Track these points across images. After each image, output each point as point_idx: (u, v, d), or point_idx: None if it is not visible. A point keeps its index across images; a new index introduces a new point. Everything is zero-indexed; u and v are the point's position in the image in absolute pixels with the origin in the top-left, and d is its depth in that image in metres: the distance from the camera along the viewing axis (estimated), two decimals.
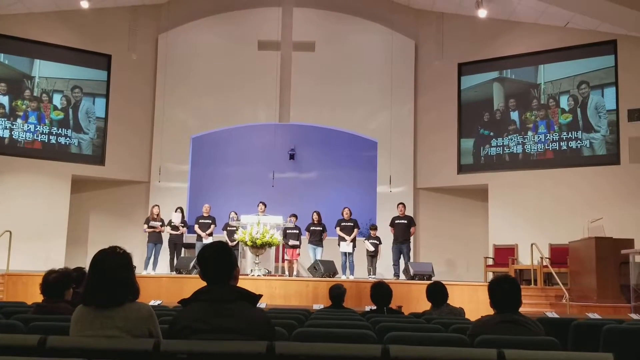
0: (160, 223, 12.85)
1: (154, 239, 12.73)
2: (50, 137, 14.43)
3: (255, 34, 15.53)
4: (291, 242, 12.80)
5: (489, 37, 14.56)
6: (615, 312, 9.20)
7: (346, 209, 13.00)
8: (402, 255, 12.71)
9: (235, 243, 12.39)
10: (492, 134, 14.53)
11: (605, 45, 13.26)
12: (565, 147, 13.59)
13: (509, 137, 14.27)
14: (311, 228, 13.00)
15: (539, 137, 13.92)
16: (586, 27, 13.26)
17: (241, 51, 15.46)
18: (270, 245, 11.79)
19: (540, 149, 13.88)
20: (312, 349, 2.72)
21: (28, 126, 14.20)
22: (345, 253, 12.65)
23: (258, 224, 11.69)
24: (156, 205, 13.11)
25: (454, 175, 14.78)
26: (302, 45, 15.52)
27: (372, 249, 12.64)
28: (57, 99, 14.59)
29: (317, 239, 12.93)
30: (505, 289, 3.73)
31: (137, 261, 12.63)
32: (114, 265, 2.95)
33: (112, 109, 15.07)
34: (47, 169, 14.08)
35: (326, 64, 15.46)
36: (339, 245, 12.76)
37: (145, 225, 12.78)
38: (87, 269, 3.12)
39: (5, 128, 13.98)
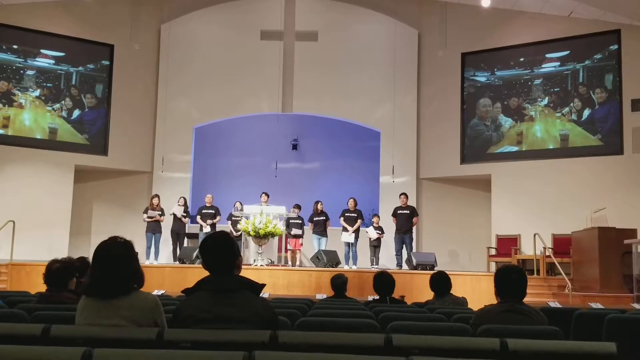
0: (160, 213, 12.86)
1: (152, 229, 12.75)
2: (54, 127, 14.42)
3: (257, 24, 15.48)
4: (294, 232, 12.81)
5: (493, 27, 14.50)
6: (617, 302, 9.19)
7: (351, 200, 12.98)
8: (404, 246, 12.72)
9: (239, 233, 12.41)
10: (492, 126, 14.51)
11: (609, 35, 13.20)
12: (569, 138, 13.55)
13: (512, 129, 14.24)
14: (314, 218, 13.01)
15: (542, 128, 13.88)
16: (590, 17, 13.20)
17: (244, 41, 15.43)
18: (273, 235, 11.80)
19: (545, 138, 13.84)
20: (315, 338, 2.73)
21: (32, 117, 14.19)
22: (347, 243, 12.66)
23: (261, 214, 11.71)
24: (156, 195, 13.13)
25: (457, 166, 14.77)
26: (305, 35, 15.48)
27: (375, 236, 12.64)
28: (60, 90, 14.57)
29: (321, 229, 12.95)
30: (513, 278, 3.74)
31: (140, 252, 12.70)
32: (115, 256, 2.96)
33: (114, 99, 15.06)
34: (51, 158, 14.09)
35: (329, 53, 15.42)
36: (341, 235, 12.77)
37: (145, 215, 12.81)
38: (90, 259, 3.12)
39: (7, 119, 13.97)
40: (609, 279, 10.03)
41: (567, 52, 13.72)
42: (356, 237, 12.72)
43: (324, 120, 16.05)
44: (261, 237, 11.62)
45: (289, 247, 12.97)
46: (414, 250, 13.03)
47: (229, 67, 15.39)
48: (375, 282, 5.77)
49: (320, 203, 13.10)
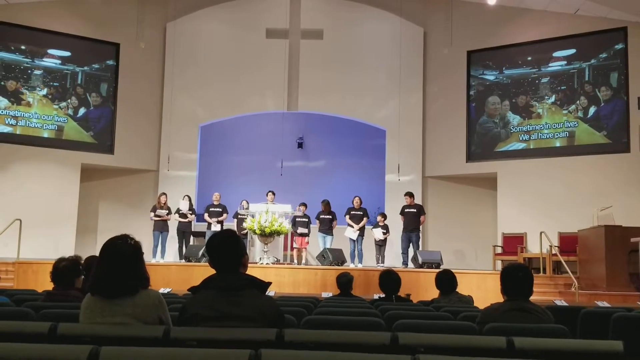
0: (167, 211, 12.88)
1: (160, 227, 12.77)
2: (59, 125, 14.46)
3: (263, 22, 15.49)
4: (300, 230, 12.82)
5: (498, 25, 14.46)
6: (624, 300, 9.18)
7: (356, 198, 12.97)
8: (411, 244, 12.70)
9: (245, 231, 12.42)
10: (500, 123, 14.48)
11: (615, 33, 13.16)
12: (575, 135, 13.52)
13: (518, 126, 14.22)
14: (320, 217, 13.01)
15: (548, 125, 13.85)
16: (596, 14, 13.15)
17: (249, 39, 15.43)
18: (278, 233, 11.81)
19: (550, 136, 13.81)
20: (322, 337, 2.73)
21: (37, 115, 14.23)
22: (353, 241, 12.65)
23: (267, 213, 11.71)
24: (163, 193, 13.14)
25: (462, 164, 14.74)
26: (311, 33, 15.47)
27: (381, 237, 12.62)
28: (66, 89, 14.61)
29: (326, 227, 12.94)
30: (518, 277, 3.74)
31: (145, 250, 12.67)
32: (125, 255, 2.95)
33: (120, 97, 15.09)
34: (57, 157, 14.13)
35: (334, 52, 15.40)
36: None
37: (152, 214, 12.83)
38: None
39: (15, 117, 14.02)
40: (616, 277, 10.01)
41: (574, 51, 13.68)
42: (361, 236, 12.71)
43: (329, 119, 16.05)
44: (267, 236, 11.63)
45: (295, 245, 12.98)
46: (420, 248, 13.01)
47: (235, 65, 15.39)
48: (381, 280, 5.77)
49: (326, 202, 13.09)
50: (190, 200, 13.34)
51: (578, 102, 13.55)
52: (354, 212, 12.84)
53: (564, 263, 11.25)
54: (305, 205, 13.22)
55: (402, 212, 12.89)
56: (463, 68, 14.91)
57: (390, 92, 15.12)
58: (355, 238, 12.64)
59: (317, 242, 13.04)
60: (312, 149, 17.32)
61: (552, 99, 13.88)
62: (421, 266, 11.62)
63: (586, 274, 10.97)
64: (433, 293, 6.21)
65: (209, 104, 15.49)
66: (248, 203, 13.00)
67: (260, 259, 11.84)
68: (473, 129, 14.80)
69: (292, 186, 15.43)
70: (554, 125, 13.78)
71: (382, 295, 5.83)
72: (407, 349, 2.63)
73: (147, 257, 12.13)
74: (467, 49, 14.86)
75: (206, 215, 13.26)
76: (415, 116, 15.18)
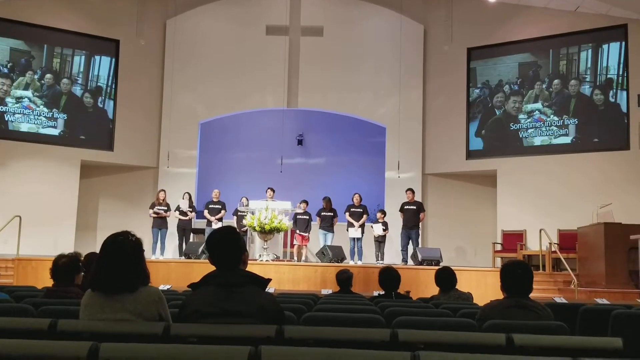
0: (166, 208, 12.88)
1: (159, 224, 12.77)
2: (59, 122, 14.44)
3: (263, 19, 15.47)
4: (300, 228, 12.82)
5: (499, 22, 14.44)
6: (623, 297, 9.19)
7: (356, 195, 12.99)
8: (410, 241, 12.71)
9: (245, 228, 12.42)
10: (501, 121, 14.47)
11: (615, 30, 13.14)
12: (574, 133, 13.51)
13: (518, 124, 14.21)
14: (322, 214, 13.02)
15: (548, 122, 13.84)
16: (596, 11, 13.14)
17: (249, 36, 15.42)
18: (278, 230, 11.80)
19: (550, 134, 13.80)
20: (321, 333, 2.73)
21: (37, 112, 14.21)
22: (353, 238, 12.67)
23: (266, 210, 11.71)
24: (162, 190, 13.15)
25: (462, 161, 14.73)
26: (311, 30, 15.45)
27: (381, 233, 12.62)
28: (66, 85, 14.59)
29: (327, 224, 12.95)
30: (518, 274, 3.74)
31: (145, 247, 12.64)
32: (126, 252, 2.95)
33: (120, 94, 15.07)
34: (57, 154, 14.12)
35: (334, 49, 15.39)
36: (347, 230, 12.78)
37: (151, 210, 12.83)
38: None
39: (15, 114, 14.00)
40: (615, 274, 10.01)
41: (574, 47, 13.67)
42: (361, 232, 12.72)
43: (329, 116, 16.04)
44: (266, 233, 11.63)
45: (295, 242, 12.99)
46: (420, 245, 13.01)
47: (235, 62, 15.38)
48: (380, 277, 5.76)
49: (327, 199, 13.10)
50: (190, 198, 13.34)
51: (578, 99, 13.53)
52: (353, 209, 12.85)
53: (563, 260, 11.25)
54: (306, 202, 13.22)
55: (402, 209, 12.89)
56: (463, 65, 14.90)
57: (390, 89, 15.11)
58: (359, 236, 12.66)
59: (317, 239, 13.05)
60: (312, 146, 17.31)
61: (552, 95, 13.85)
62: (421, 263, 11.63)
63: (585, 271, 10.98)
64: (432, 290, 6.20)
65: (209, 100, 15.47)
66: (248, 200, 13.02)
67: (260, 255, 11.84)
68: (476, 126, 14.76)
69: (292, 183, 15.43)
70: (553, 124, 13.77)
71: (382, 292, 5.83)
72: (406, 346, 2.63)
73: (147, 254, 12.14)
74: (467, 46, 14.84)
75: (206, 212, 13.27)
76: (415, 113, 15.17)
